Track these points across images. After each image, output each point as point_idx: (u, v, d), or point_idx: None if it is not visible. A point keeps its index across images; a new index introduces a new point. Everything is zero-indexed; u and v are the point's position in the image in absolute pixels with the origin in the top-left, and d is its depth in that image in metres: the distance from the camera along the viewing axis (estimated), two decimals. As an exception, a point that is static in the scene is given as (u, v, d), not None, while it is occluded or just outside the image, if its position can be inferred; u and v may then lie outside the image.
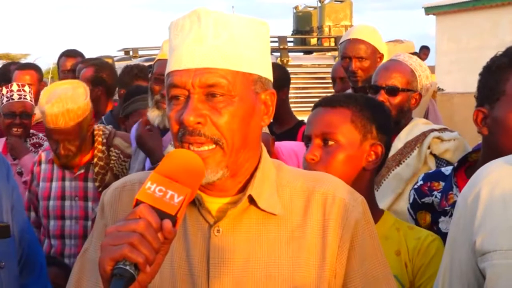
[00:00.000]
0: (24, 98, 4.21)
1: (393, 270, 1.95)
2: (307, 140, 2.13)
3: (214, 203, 1.52)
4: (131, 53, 9.52)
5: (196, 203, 1.51)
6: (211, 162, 1.44)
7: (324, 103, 2.15)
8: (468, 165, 2.40)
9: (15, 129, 4.24)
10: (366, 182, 2.10)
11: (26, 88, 4.23)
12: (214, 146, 1.45)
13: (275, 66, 4.76)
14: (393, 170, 2.99)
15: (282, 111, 4.31)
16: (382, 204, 2.90)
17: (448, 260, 1.72)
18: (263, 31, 1.53)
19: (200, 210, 1.51)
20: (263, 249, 1.49)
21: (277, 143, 3.53)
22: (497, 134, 2.14)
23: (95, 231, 1.62)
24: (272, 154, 3.47)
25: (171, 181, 1.31)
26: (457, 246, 1.67)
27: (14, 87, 4.20)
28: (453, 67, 19.54)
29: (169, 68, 1.48)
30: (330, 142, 2.07)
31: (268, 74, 1.53)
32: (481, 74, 2.22)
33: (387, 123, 2.20)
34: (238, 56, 1.46)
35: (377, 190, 2.94)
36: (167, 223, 1.28)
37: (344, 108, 2.10)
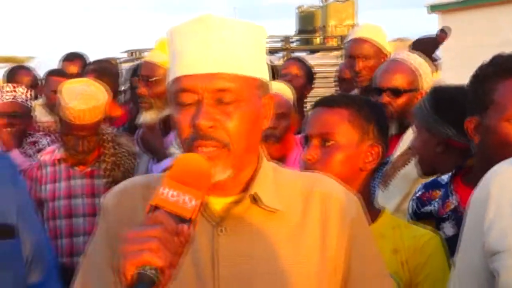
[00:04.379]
0: (14, 99, 4.18)
1: (389, 269, 1.96)
2: (306, 140, 2.14)
3: (216, 204, 1.54)
4: (135, 54, 9.52)
5: None
6: (219, 163, 1.47)
7: (322, 103, 2.15)
8: (464, 171, 2.42)
9: (6, 129, 4.17)
10: (362, 182, 2.11)
11: (20, 89, 4.21)
12: (223, 149, 1.48)
13: (303, 64, 4.86)
14: (400, 170, 2.97)
15: (297, 112, 4.27)
16: (390, 204, 2.88)
17: (460, 261, 1.74)
18: (261, 35, 1.56)
19: (202, 212, 1.52)
20: (265, 246, 1.51)
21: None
22: (489, 142, 2.18)
23: (97, 234, 1.63)
24: (292, 129, 3.39)
25: (183, 185, 1.35)
26: (469, 247, 1.70)
27: (7, 88, 4.18)
28: (456, 64, 19.50)
29: (177, 73, 1.50)
30: (328, 142, 2.07)
31: (267, 78, 1.56)
32: (470, 83, 2.26)
33: (385, 123, 2.20)
34: (244, 61, 1.49)
35: (384, 191, 2.95)
36: (184, 227, 1.31)
37: (342, 108, 2.10)
